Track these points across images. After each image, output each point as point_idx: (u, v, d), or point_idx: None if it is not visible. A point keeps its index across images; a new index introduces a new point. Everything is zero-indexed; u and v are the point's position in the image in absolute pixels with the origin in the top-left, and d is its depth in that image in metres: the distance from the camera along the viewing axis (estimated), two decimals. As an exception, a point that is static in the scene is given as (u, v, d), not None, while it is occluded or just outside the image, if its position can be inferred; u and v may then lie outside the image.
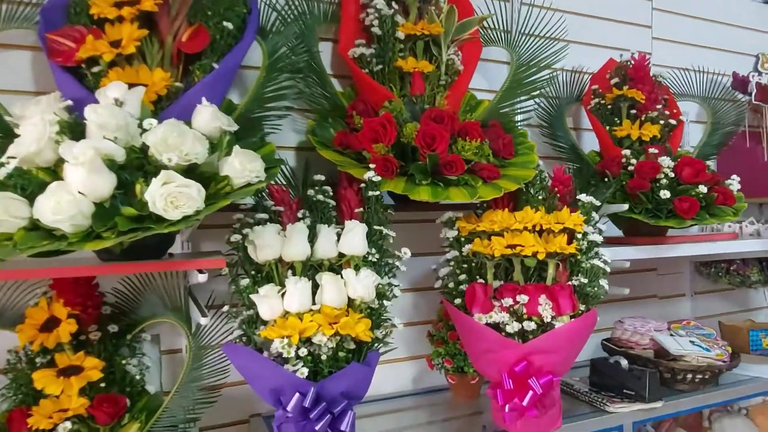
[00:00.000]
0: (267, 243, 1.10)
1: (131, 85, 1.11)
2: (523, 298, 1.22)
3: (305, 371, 1.02)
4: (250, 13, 1.28)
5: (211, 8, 1.21)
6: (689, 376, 1.56)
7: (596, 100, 1.81)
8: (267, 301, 1.06)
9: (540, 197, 1.38)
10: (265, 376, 1.03)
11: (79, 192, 0.90)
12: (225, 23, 1.21)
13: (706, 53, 2.25)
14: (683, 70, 2.12)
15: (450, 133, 1.32)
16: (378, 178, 1.21)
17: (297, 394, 1.00)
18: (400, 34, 1.47)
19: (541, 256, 1.24)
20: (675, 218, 1.53)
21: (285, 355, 1.01)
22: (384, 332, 1.16)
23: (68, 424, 1.07)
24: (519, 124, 1.62)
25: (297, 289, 1.07)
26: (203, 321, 1.09)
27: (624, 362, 1.54)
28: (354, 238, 1.14)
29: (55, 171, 0.97)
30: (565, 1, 1.89)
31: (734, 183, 1.63)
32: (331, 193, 1.26)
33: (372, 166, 1.23)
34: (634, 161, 1.62)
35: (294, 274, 1.12)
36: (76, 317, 1.14)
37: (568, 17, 1.89)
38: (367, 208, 1.22)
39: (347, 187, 1.26)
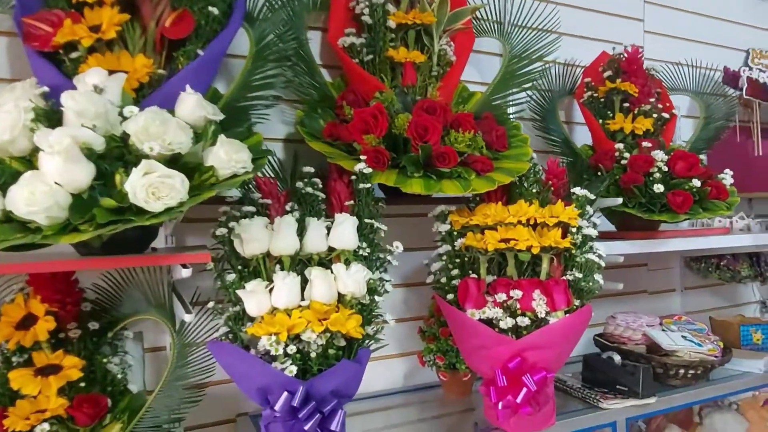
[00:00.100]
0: (254, 237, 1.06)
1: (112, 72, 1.06)
2: (516, 294, 1.20)
3: (294, 369, 0.98)
4: (237, -2, 1.23)
5: (196, -8, 1.16)
6: (681, 371, 1.55)
7: (589, 93, 1.79)
8: (254, 297, 1.02)
9: (534, 190, 1.35)
10: (252, 375, 0.99)
11: (55, 182, 0.86)
12: (210, 8, 1.16)
13: (697, 47, 2.25)
14: (675, 64, 2.11)
15: (443, 124, 1.29)
16: (369, 170, 1.18)
17: (285, 393, 0.97)
18: (391, 23, 1.43)
19: (535, 251, 1.21)
20: (668, 212, 1.52)
21: (273, 352, 0.97)
22: (375, 329, 1.12)
23: (46, 426, 1.03)
24: (512, 116, 1.59)
25: (285, 284, 1.03)
26: (188, 318, 1.05)
27: (617, 358, 1.52)
28: (344, 231, 1.11)
29: (30, 160, 0.93)
30: (557, -8, 1.87)
31: (727, 177, 1.62)
32: (321, 186, 1.22)
33: (363, 157, 1.20)
34: (627, 155, 1.60)
35: (282, 269, 1.08)
36: (55, 314, 1.10)
37: (561, 9, 1.87)
38: (358, 201, 1.18)
39: (337, 179, 1.22)
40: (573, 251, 1.26)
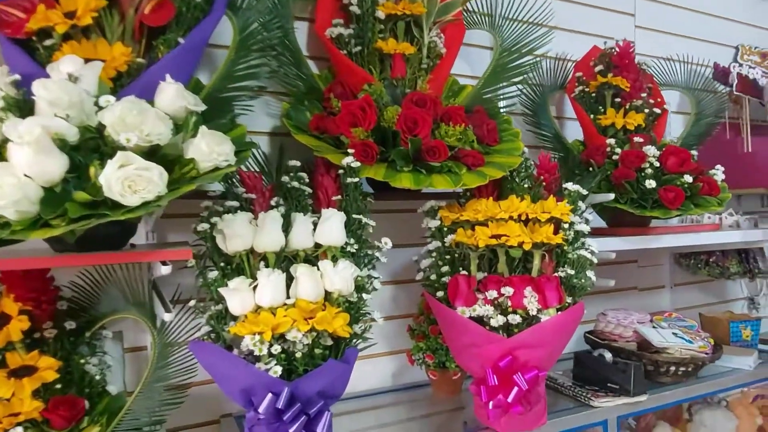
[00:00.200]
0: (237, 232, 1.02)
1: (88, 61, 1.02)
2: (507, 291, 1.17)
3: (278, 370, 0.95)
4: (220, -16, 1.19)
5: (176, -22, 1.11)
6: (672, 368, 1.54)
7: (580, 87, 1.77)
8: (237, 295, 0.99)
9: (525, 185, 1.33)
10: (235, 376, 0.96)
11: (25, 175, 0.82)
12: (192, -5, 1.12)
13: (687, 43, 2.24)
14: (666, 59, 2.09)
15: (433, 117, 1.26)
16: (357, 164, 1.14)
17: (269, 395, 0.93)
18: (380, 14, 1.40)
19: (527, 247, 1.19)
20: (660, 208, 1.50)
21: (256, 352, 0.93)
22: (363, 327, 1.09)
23: (20, 430, 0.99)
24: (503, 110, 1.56)
25: (270, 281, 0.99)
26: (167, 317, 1.01)
27: (608, 355, 1.50)
28: (331, 227, 1.07)
29: (-1, 152, 0.88)
30: (548, -15, 1.84)
31: (718, 173, 1.61)
32: (307, 180, 1.18)
33: (350, 151, 1.16)
34: (618, 150, 1.59)
35: (267, 266, 1.04)
36: (29, 313, 1.06)
37: (552, 2, 1.84)
38: (346, 196, 1.15)
39: (324, 173, 1.18)
40: (565, 247, 1.24)
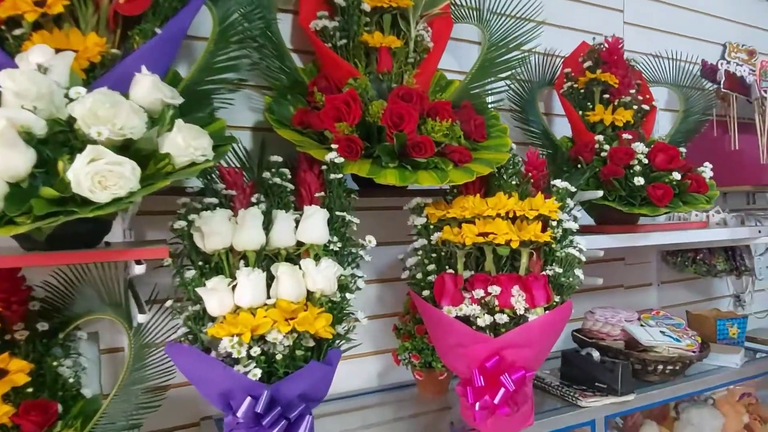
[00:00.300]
0: (215, 230, 0.98)
1: (59, 51, 0.98)
2: (495, 290, 1.15)
3: (258, 372, 0.91)
4: (199, -27, 1.15)
5: (153, -35, 1.07)
6: (660, 367, 1.53)
7: (569, 83, 1.75)
8: (215, 295, 0.95)
9: (513, 182, 1.30)
10: (213, 379, 0.92)
11: (-12, 169, 0.77)
12: (169, -17, 1.08)
13: (675, 40, 2.23)
14: (654, 56, 2.08)
15: (419, 112, 1.23)
16: (341, 160, 1.11)
17: (248, 398, 0.90)
18: (366, 6, 1.36)
19: (514, 245, 1.17)
20: (649, 206, 1.49)
21: (235, 355, 0.90)
22: (346, 327, 1.06)
23: (-12, 436, 0.95)
24: (490, 106, 1.53)
25: (249, 281, 0.96)
26: (141, 318, 0.98)
27: (596, 354, 1.49)
28: (314, 225, 1.04)
29: (-39, 145, 0.83)
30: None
31: (706, 170, 1.60)
32: (290, 176, 1.15)
33: (334, 146, 1.13)
34: (607, 147, 1.57)
35: (247, 265, 1.01)
36: (-2, 314, 1.02)
37: (541, -3, 1.82)
38: (329, 193, 1.11)
39: (307, 169, 1.15)
40: (553, 245, 1.22)
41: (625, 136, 1.58)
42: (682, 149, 1.59)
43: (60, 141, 0.86)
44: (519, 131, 1.78)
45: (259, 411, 0.89)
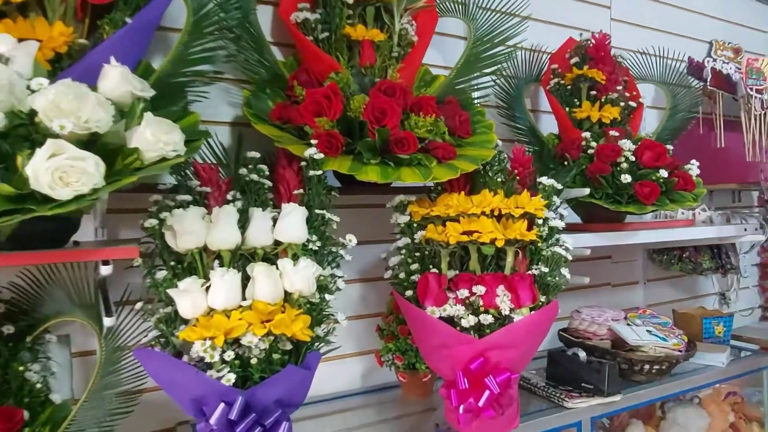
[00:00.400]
0: (188, 229, 0.94)
1: (23, 41, 0.93)
2: (479, 290, 1.12)
3: (232, 377, 0.88)
4: (173, -39, 1.10)
5: (123, -48, 1.03)
6: (647, 366, 1.51)
7: (555, 80, 1.73)
8: (188, 297, 0.91)
9: (499, 180, 1.27)
10: (185, 384, 0.88)
11: (-59, 165, 0.73)
12: (140, -29, 1.03)
13: (662, 37, 2.22)
14: (641, 53, 2.06)
15: (402, 107, 1.19)
16: (320, 156, 1.07)
17: (222, 405, 0.86)
18: (348, -2, 1.32)
19: (499, 244, 1.14)
20: (636, 204, 1.47)
21: (208, 359, 0.86)
22: (326, 329, 1.02)
23: (-53, 445, 0.90)
24: (476, 102, 1.50)
25: (224, 282, 0.92)
26: (108, 322, 0.93)
27: (582, 354, 1.47)
28: (292, 223, 1.00)
29: None
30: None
31: (693, 168, 1.58)
32: (268, 173, 1.11)
33: (314, 142, 1.09)
34: (594, 144, 1.55)
35: (221, 265, 0.97)
36: (-42, 318, 0.97)
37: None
38: (308, 190, 1.07)
39: (286, 166, 1.11)
40: (539, 244, 1.19)
41: (612, 133, 1.56)
42: (669, 147, 1.58)
43: (21, 135, 0.81)
44: (505, 128, 1.76)
45: (232, 418, 0.85)
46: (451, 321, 1.13)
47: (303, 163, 1.09)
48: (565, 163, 1.57)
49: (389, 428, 1.31)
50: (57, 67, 0.97)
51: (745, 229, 1.88)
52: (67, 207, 0.74)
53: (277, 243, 1.01)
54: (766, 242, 2.50)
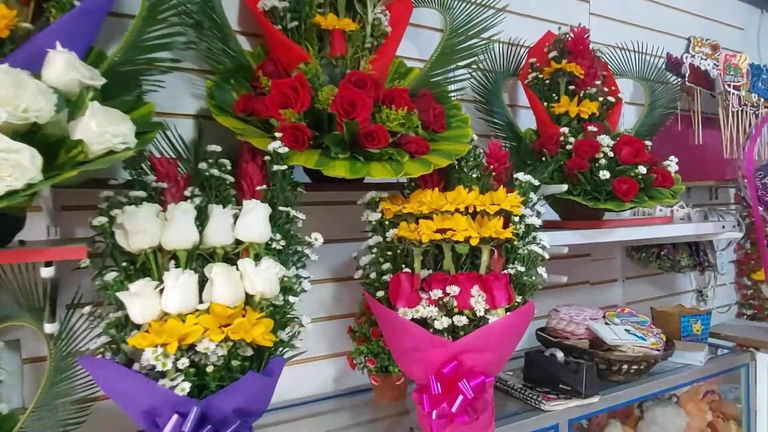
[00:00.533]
0: (140, 227, 0.87)
1: (-42, 23, 0.86)
2: (453, 290, 1.07)
3: (186, 386, 0.82)
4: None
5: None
6: (625, 367, 1.49)
7: (534, 74, 1.69)
8: (139, 300, 0.85)
9: (474, 175, 1.23)
10: (135, 395, 0.82)
11: None
12: (90, -50, 0.96)
13: (640, 33, 2.20)
14: (620, 48, 2.04)
15: (373, 99, 1.14)
16: (285, 150, 1.01)
17: (175, 416, 0.80)
18: (319, -14, 1.27)
19: (474, 242, 1.09)
20: (614, 200, 1.44)
21: (159, 367, 0.80)
22: (291, 333, 0.97)
23: None
24: (453, 96, 1.45)
25: (179, 284, 0.86)
26: (49, 328, 0.86)
27: (560, 355, 1.43)
28: (253, 220, 0.94)
29: None
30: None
31: (672, 164, 1.56)
32: (230, 168, 1.05)
33: (278, 135, 1.03)
34: (572, 140, 1.51)
35: (178, 266, 0.91)
36: None
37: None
38: (272, 186, 1.02)
39: (249, 160, 1.05)
40: (515, 242, 1.15)
41: (591, 128, 1.52)
42: (648, 143, 1.55)
43: (-50, 125, 0.74)
44: (482, 123, 1.71)
45: (186, 430, 0.79)
46: (423, 323, 1.09)
47: (267, 158, 1.03)
48: (543, 158, 1.53)
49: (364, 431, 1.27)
50: (-1, 52, 0.90)
51: (723, 227, 1.87)
52: (-2, 203, 0.67)
53: (238, 242, 0.95)
54: (743, 239, 2.52)
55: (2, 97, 0.75)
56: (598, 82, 1.65)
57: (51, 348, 1.00)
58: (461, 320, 1.06)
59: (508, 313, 1.08)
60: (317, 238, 1.02)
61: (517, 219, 1.15)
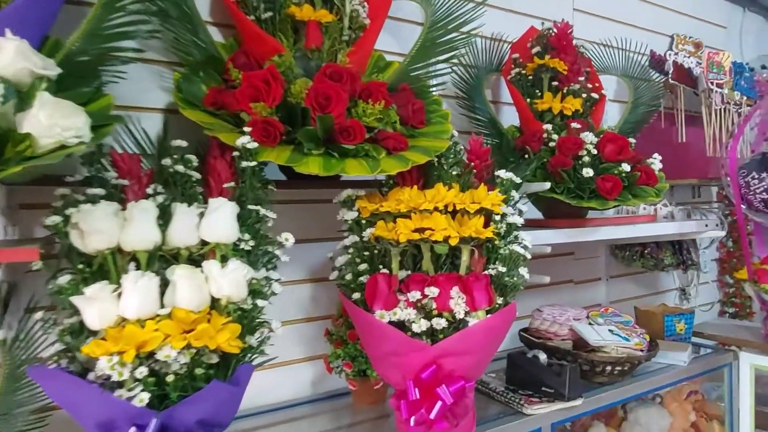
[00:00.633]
0: (97, 227, 0.82)
1: None
2: (432, 291, 1.04)
3: (145, 397, 0.77)
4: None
5: None
6: (608, 368, 1.46)
7: (516, 70, 1.65)
8: (95, 305, 0.79)
9: (454, 173, 1.19)
10: (89, 407, 0.77)
11: None
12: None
13: (623, 29, 2.18)
14: (603, 45, 2.02)
15: (350, 93, 1.09)
16: (254, 145, 0.96)
17: (133, 428, 0.75)
18: (293, -25, 1.22)
19: (453, 242, 1.05)
20: (598, 199, 1.41)
21: (116, 377, 0.75)
22: (260, 339, 0.92)
23: None
24: (433, 91, 1.41)
25: (138, 287, 0.80)
26: (1, 334, 0.80)
27: (542, 356, 1.41)
28: (220, 219, 0.89)
29: None
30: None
31: (656, 162, 1.54)
32: (197, 164, 0.99)
33: (248, 130, 0.98)
34: (555, 137, 1.48)
35: (138, 268, 0.85)
36: None
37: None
38: (241, 183, 0.96)
39: (218, 156, 1.00)
40: (496, 242, 1.11)
41: (574, 125, 1.49)
42: (632, 140, 1.53)
43: None
44: (464, 119, 1.68)
45: (144, 444, 0.74)
46: (401, 326, 1.05)
47: (236, 154, 0.98)
48: (526, 156, 1.50)
49: (343, 436, 1.23)
50: (-57, 39, 0.84)
51: (706, 225, 1.86)
52: (-73, 202, 0.61)
53: (203, 243, 0.90)
54: (725, 237, 2.52)
55: (-60, 87, 0.69)
56: (581, 79, 1.62)
57: (3, 356, 0.94)
58: (440, 323, 1.02)
59: (488, 316, 1.05)
60: (288, 239, 0.97)
61: (498, 218, 1.11)
